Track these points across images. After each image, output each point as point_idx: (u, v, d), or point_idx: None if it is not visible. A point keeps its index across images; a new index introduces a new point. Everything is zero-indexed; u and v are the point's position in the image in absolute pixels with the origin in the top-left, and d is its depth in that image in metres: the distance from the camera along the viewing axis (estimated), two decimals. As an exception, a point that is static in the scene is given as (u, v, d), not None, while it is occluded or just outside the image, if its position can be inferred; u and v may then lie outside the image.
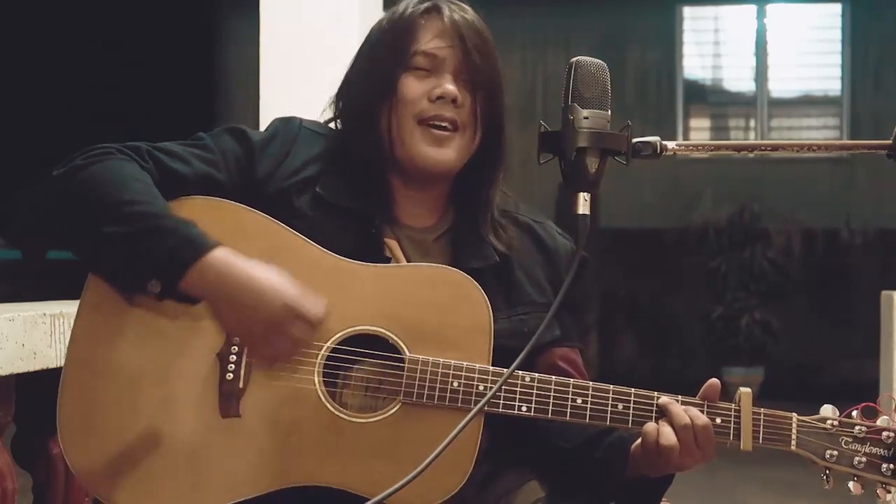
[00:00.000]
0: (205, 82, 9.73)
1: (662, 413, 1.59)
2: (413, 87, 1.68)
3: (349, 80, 1.76)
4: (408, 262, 1.70)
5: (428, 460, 1.43)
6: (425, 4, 1.71)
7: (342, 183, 1.69)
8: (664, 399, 1.60)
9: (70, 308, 2.01)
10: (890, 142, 1.58)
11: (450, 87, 1.67)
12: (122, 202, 1.52)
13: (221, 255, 1.51)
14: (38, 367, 1.97)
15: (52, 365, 1.99)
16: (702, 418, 1.58)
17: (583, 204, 1.53)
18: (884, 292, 3.65)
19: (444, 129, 1.68)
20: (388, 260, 1.68)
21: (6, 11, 8.76)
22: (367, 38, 1.76)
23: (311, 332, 1.53)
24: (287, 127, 1.73)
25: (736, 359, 8.74)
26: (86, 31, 9.04)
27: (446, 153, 1.68)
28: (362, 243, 1.67)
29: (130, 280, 1.55)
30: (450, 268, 1.64)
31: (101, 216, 1.52)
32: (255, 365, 1.57)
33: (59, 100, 8.97)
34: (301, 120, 1.75)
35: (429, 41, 1.69)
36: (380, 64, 1.70)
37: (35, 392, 1.98)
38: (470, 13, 1.72)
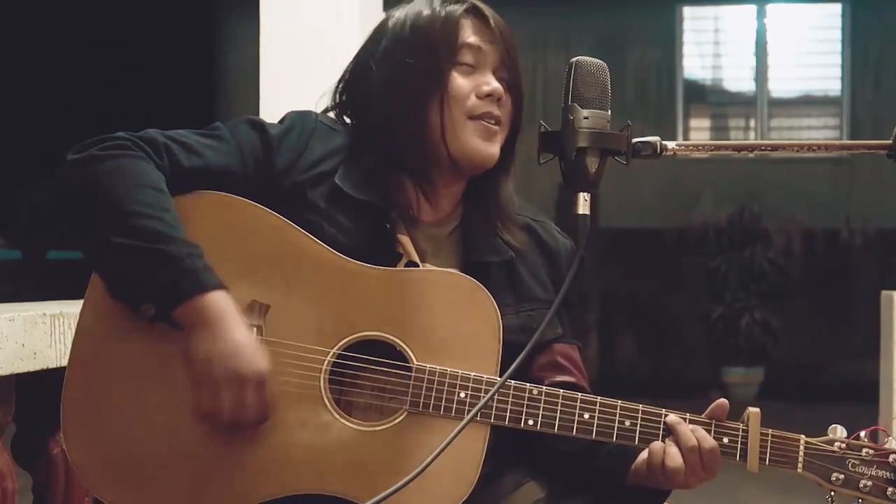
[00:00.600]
0: (205, 82, 9.73)
1: (669, 431, 1.57)
2: (461, 83, 1.68)
3: (383, 77, 1.71)
4: (420, 257, 1.68)
5: (419, 468, 1.41)
6: (464, 5, 1.71)
7: (359, 177, 1.68)
8: (672, 418, 1.57)
9: (70, 308, 2.02)
10: (890, 142, 1.58)
11: (497, 84, 1.68)
12: (132, 213, 1.50)
13: (217, 300, 1.50)
14: (38, 367, 1.97)
15: (52, 365, 1.99)
16: (709, 441, 1.55)
17: (583, 204, 1.53)
18: (884, 292, 3.65)
19: (492, 124, 1.69)
20: (399, 256, 1.67)
21: (6, 11, 8.76)
22: (398, 34, 1.71)
23: (256, 412, 1.50)
24: (304, 120, 1.71)
25: (736, 359, 8.74)
26: (86, 31, 9.04)
27: (495, 148, 1.69)
28: (375, 238, 1.65)
29: (127, 298, 1.54)
30: (460, 273, 1.62)
31: (110, 222, 1.51)
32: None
33: (59, 100, 8.97)
34: (317, 114, 1.74)
35: (472, 35, 1.69)
36: (426, 59, 1.68)
37: (35, 392, 1.98)
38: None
